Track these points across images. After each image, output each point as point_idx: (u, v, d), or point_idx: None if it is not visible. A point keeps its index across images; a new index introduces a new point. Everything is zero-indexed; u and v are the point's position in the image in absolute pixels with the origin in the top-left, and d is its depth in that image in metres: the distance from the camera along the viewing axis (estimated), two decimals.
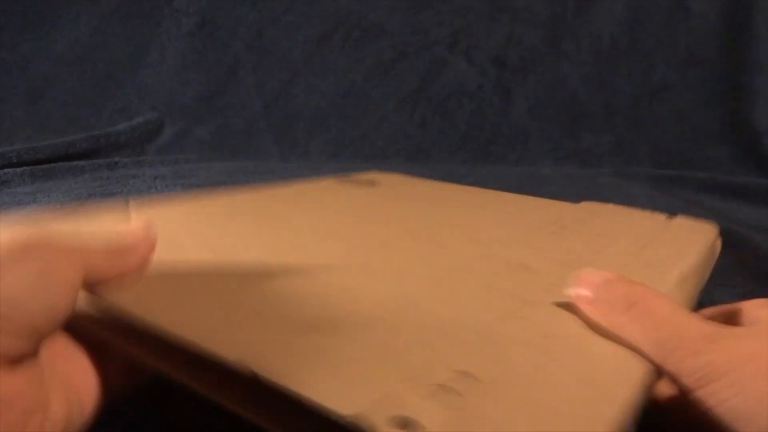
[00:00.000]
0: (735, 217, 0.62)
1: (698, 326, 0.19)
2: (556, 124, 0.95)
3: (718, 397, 0.18)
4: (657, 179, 0.80)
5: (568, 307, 0.26)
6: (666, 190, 0.75)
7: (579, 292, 0.23)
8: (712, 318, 0.23)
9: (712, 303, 0.41)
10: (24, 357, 0.16)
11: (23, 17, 1.02)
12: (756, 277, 0.46)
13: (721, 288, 0.43)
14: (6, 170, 0.71)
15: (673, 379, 0.19)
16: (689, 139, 0.90)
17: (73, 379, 0.20)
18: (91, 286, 0.21)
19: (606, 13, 0.96)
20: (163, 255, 0.30)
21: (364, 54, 1.01)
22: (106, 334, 0.23)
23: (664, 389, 0.23)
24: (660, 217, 0.47)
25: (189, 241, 0.34)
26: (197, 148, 0.93)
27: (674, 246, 0.40)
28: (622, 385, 0.20)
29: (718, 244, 0.45)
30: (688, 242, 0.41)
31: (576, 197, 0.56)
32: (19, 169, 0.72)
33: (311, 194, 0.50)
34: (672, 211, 0.58)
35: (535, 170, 0.86)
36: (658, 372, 0.20)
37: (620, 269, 0.32)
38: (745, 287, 0.44)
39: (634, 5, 0.95)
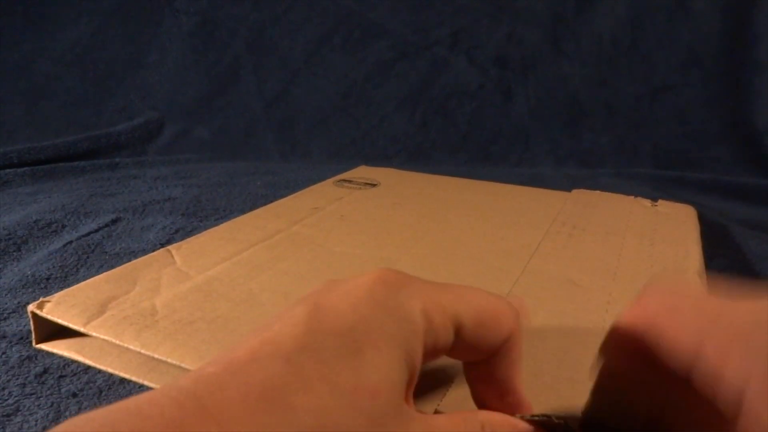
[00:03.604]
0: (736, 217, 0.62)
1: None
2: (557, 124, 0.95)
3: None
4: (658, 179, 0.80)
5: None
6: (667, 190, 0.75)
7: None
8: None
9: None
10: None
11: (24, 17, 1.02)
12: (756, 278, 0.46)
13: None
14: (7, 170, 0.72)
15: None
16: (690, 139, 0.90)
17: None
18: None
19: (607, 13, 0.96)
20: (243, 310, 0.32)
21: (365, 54, 1.01)
22: None
23: None
24: (646, 203, 0.51)
25: (257, 288, 0.35)
26: (198, 148, 0.93)
27: (676, 240, 0.44)
28: None
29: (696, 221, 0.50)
30: (685, 233, 0.44)
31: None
32: (20, 170, 0.72)
33: (330, 207, 0.50)
34: None
35: (536, 170, 0.86)
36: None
37: (645, 275, 0.37)
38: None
39: (635, 5, 0.95)
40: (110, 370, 0.30)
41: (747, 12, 0.89)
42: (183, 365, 0.27)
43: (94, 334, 0.29)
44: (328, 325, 0.16)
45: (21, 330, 0.34)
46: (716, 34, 0.92)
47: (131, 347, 0.28)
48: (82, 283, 0.34)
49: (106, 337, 0.29)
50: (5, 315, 0.36)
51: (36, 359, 0.31)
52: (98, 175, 0.76)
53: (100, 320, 0.30)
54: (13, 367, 0.31)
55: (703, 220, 0.60)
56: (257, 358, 0.15)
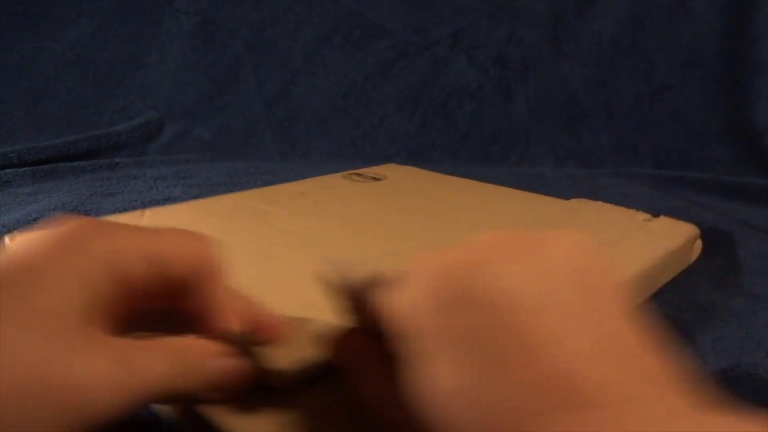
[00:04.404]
0: (736, 217, 0.62)
1: None
2: (557, 124, 0.95)
3: None
4: (658, 179, 0.80)
5: None
6: (667, 190, 0.75)
7: None
8: None
9: (711, 303, 0.41)
10: None
11: (24, 17, 1.02)
12: (756, 276, 0.46)
13: (721, 288, 0.43)
14: (7, 170, 0.72)
15: None
16: (690, 139, 0.90)
17: None
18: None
19: (607, 13, 0.96)
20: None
21: (365, 54, 1.01)
22: None
23: None
24: (641, 216, 0.49)
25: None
26: (198, 148, 0.93)
27: (642, 245, 0.43)
28: None
29: (698, 244, 0.47)
30: (656, 243, 0.43)
31: (576, 198, 0.56)
32: (20, 170, 0.72)
33: (316, 194, 0.51)
34: (673, 212, 0.59)
35: (536, 170, 0.86)
36: None
37: None
38: (745, 287, 0.44)
39: (635, 5, 0.95)
40: None
41: (747, 12, 0.89)
42: None
43: None
44: (15, 257, 0.18)
45: None
46: (716, 34, 0.92)
47: None
48: None
49: None
50: None
51: None
52: (98, 175, 0.76)
53: None
54: None
55: (702, 220, 0.60)
56: None
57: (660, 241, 0.44)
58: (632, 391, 0.16)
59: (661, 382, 0.17)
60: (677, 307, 0.39)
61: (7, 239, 0.37)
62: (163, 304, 0.22)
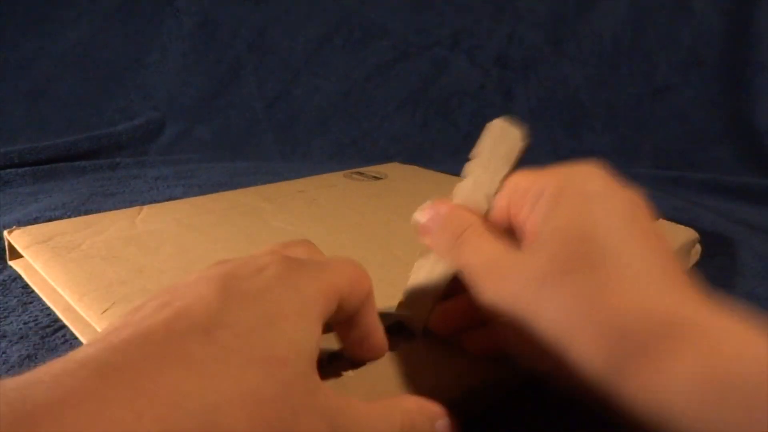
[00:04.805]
0: (736, 218, 0.62)
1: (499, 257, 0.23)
2: (558, 124, 0.95)
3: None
4: (659, 179, 0.80)
5: None
6: (668, 190, 0.75)
7: (421, 219, 0.27)
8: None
9: None
10: None
11: (24, 17, 1.02)
12: (756, 277, 0.46)
13: (722, 288, 0.43)
14: (8, 170, 0.72)
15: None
16: (691, 139, 0.90)
17: None
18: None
19: (608, 13, 0.96)
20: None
21: (366, 54, 1.01)
22: None
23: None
24: None
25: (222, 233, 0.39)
26: (198, 148, 0.93)
27: None
28: None
29: (697, 249, 0.46)
30: None
31: None
32: (20, 170, 0.72)
33: (314, 192, 0.51)
34: (674, 212, 0.59)
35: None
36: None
37: None
38: (746, 287, 0.44)
39: (636, 5, 0.95)
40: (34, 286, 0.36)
41: (748, 12, 0.89)
42: (49, 278, 0.33)
43: (24, 254, 0.36)
44: (241, 300, 0.17)
45: (21, 329, 0.34)
46: (717, 34, 0.92)
47: (35, 263, 0.34)
48: (53, 222, 0.40)
49: (26, 255, 0.35)
50: (5, 314, 0.36)
51: (36, 358, 0.31)
52: (99, 175, 0.76)
53: (37, 246, 0.36)
54: (13, 366, 0.31)
55: (703, 220, 0.60)
56: (175, 331, 0.16)
57: None
58: (707, 319, 0.19)
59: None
60: None
61: (6, 233, 0.39)
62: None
